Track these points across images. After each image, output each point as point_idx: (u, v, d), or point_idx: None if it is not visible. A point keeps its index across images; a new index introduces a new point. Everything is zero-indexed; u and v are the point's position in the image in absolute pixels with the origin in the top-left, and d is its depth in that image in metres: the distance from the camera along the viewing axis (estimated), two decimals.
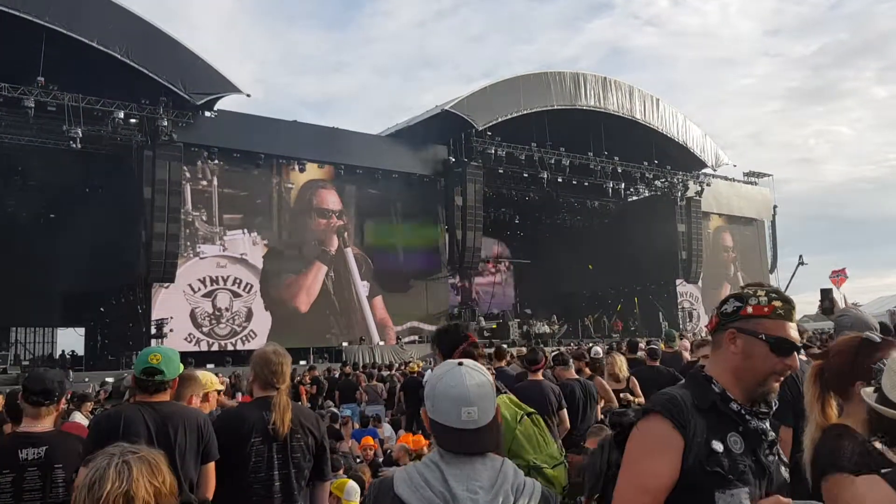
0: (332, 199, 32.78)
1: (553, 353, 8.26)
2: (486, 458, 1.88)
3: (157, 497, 1.74)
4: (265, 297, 30.24)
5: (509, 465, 1.90)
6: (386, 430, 10.97)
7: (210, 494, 3.62)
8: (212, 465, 3.59)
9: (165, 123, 26.12)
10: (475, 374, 1.92)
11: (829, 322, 4.36)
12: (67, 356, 33.45)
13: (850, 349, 2.33)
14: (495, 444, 1.91)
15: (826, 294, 4.03)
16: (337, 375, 17.11)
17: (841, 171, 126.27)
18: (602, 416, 8.03)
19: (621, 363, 8.20)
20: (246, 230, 30.49)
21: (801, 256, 26.17)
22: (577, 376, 8.12)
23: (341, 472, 6.30)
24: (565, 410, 7.03)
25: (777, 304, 2.09)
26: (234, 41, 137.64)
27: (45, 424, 3.62)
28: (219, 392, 5.07)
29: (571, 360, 8.22)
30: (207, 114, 28.17)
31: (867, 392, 2.15)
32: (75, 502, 1.71)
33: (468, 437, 1.86)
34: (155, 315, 27.13)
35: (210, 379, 4.74)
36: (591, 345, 12.83)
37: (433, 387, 1.95)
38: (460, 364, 1.95)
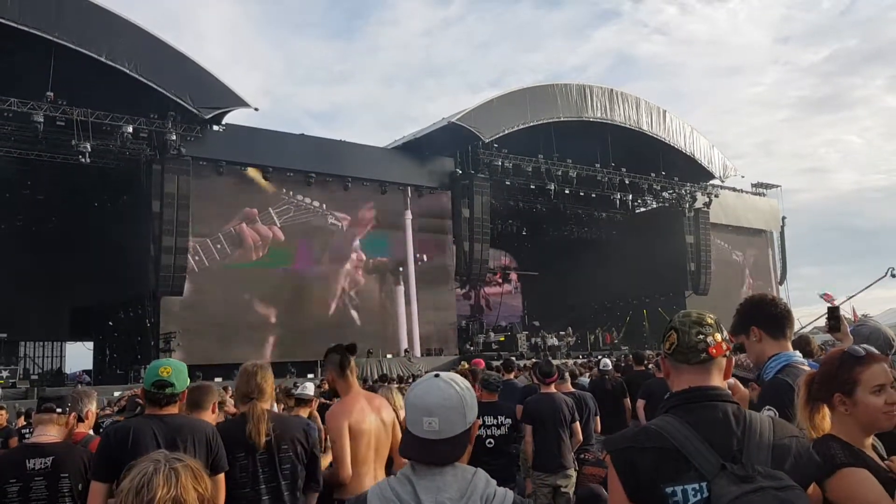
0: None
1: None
2: (456, 470, 1.90)
3: (201, 503, 1.80)
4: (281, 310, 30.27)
5: (481, 476, 1.91)
6: None
7: None
8: (221, 476, 3.61)
9: (174, 137, 26.30)
10: (444, 385, 1.94)
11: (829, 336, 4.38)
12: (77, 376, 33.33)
13: (833, 361, 2.38)
14: (455, 457, 1.91)
15: (833, 312, 4.01)
16: None
17: (851, 181, 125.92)
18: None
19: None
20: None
21: (891, 269, 25.23)
22: (572, 389, 8.09)
23: None
24: (578, 423, 7.00)
25: None
26: (240, 51, 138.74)
27: (54, 435, 3.66)
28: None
29: (567, 374, 8.23)
30: (216, 127, 28.37)
31: None
32: None
33: (428, 446, 1.89)
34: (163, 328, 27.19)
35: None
36: (599, 357, 12.79)
37: (407, 396, 2.01)
38: (436, 376, 1.99)
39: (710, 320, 2.13)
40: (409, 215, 34.34)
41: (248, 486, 3.74)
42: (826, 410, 2.34)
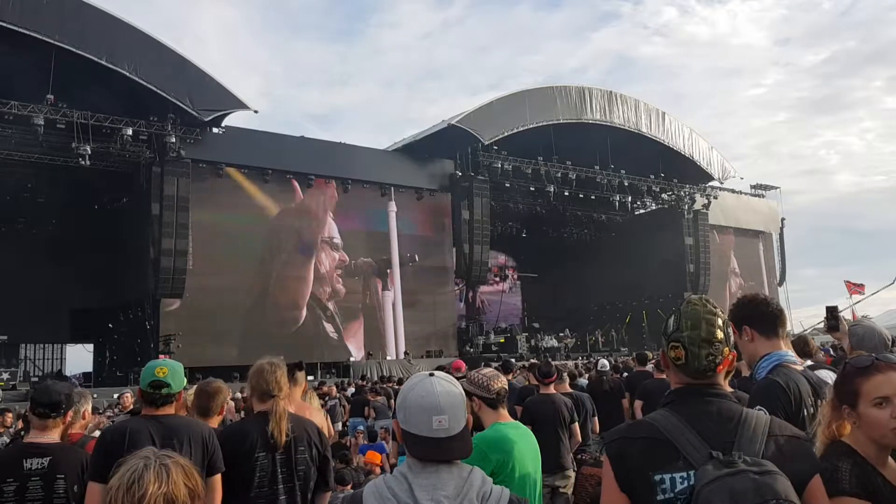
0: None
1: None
2: (452, 467, 1.90)
3: (192, 499, 1.79)
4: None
5: (477, 473, 1.93)
6: None
7: None
8: (217, 477, 3.59)
9: (173, 140, 26.33)
10: (445, 383, 1.96)
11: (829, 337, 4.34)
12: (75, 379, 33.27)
13: (840, 371, 2.29)
14: (466, 452, 1.93)
15: (832, 311, 4.00)
16: (351, 393, 16.95)
17: (851, 182, 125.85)
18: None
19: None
20: None
21: None
22: (570, 390, 8.10)
23: (349, 486, 6.29)
24: (577, 424, 7.00)
25: None
26: (240, 54, 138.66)
27: (52, 436, 3.66)
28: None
29: (566, 375, 8.22)
30: (215, 130, 28.40)
31: None
32: (112, 503, 1.73)
33: (439, 445, 1.89)
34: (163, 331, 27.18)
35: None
36: (598, 358, 12.80)
37: (405, 397, 1.98)
38: (431, 375, 2.00)
39: (719, 335, 2.06)
40: (393, 207, 34.06)
41: (267, 485, 3.70)
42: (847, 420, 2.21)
